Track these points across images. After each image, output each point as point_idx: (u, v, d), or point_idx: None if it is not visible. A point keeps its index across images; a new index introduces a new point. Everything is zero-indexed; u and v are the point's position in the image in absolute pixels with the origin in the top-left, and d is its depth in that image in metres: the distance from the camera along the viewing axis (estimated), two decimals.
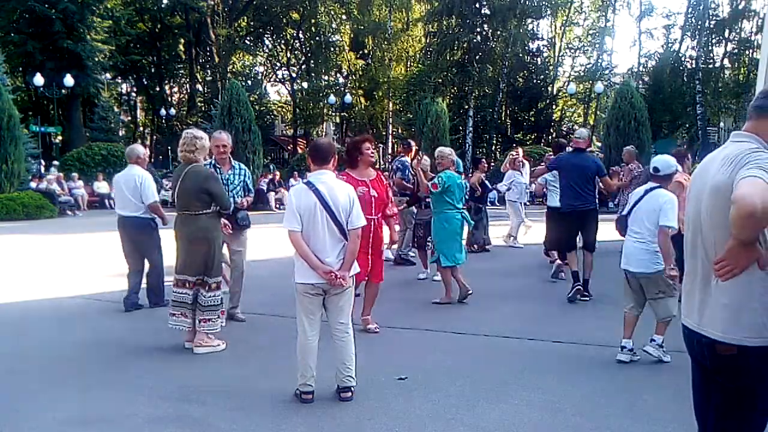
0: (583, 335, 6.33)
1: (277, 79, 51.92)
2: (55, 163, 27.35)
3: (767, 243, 2.44)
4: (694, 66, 37.37)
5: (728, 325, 2.57)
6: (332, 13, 45.47)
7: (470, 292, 7.78)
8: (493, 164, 34.66)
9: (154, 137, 50.30)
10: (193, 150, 5.87)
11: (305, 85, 46.43)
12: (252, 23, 48.31)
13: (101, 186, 26.44)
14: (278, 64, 50.71)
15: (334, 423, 4.29)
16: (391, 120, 43.35)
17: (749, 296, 2.53)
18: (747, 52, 37.95)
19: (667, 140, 30.54)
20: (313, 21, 45.11)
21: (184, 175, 5.87)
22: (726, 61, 39.57)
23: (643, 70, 40.73)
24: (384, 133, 43.39)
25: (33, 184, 23.87)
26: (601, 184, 8.27)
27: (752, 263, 2.42)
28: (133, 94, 51.82)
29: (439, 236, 7.76)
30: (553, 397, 4.66)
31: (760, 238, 2.40)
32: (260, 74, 51.48)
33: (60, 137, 36.11)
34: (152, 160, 41.63)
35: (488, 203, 14.21)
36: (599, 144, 29.01)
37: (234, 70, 47.19)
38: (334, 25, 46.43)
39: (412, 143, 11.26)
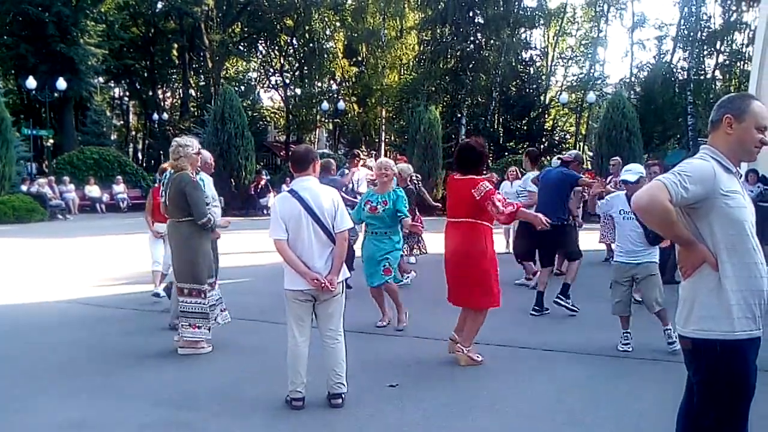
0: (573, 344, 6.34)
1: (271, 85, 51.81)
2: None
3: (716, 246, 2.73)
4: (685, 77, 37.57)
5: (684, 319, 2.85)
6: (326, 20, 45.45)
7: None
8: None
9: (146, 142, 50.07)
10: (178, 158, 5.92)
11: (298, 91, 46.38)
12: (246, 29, 48.21)
13: (92, 190, 26.34)
14: (272, 70, 50.61)
15: (325, 429, 4.28)
16: (384, 127, 43.37)
17: (699, 291, 2.78)
18: (738, 64, 38.18)
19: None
20: (307, 28, 45.07)
21: (170, 183, 5.96)
22: (717, 73, 39.79)
23: (635, 80, 40.89)
24: (377, 140, 43.41)
25: (24, 187, 23.78)
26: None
27: (699, 263, 2.75)
28: (126, 99, 51.57)
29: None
30: (542, 405, 4.67)
31: (707, 242, 2.73)
32: (253, 80, 51.38)
33: (52, 140, 35.93)
34: (144, 165, 41.51)
35: None
36: (591, 153, 29.09)
37: (227, 75, 47.06)
38: (328, 32, 46.39)
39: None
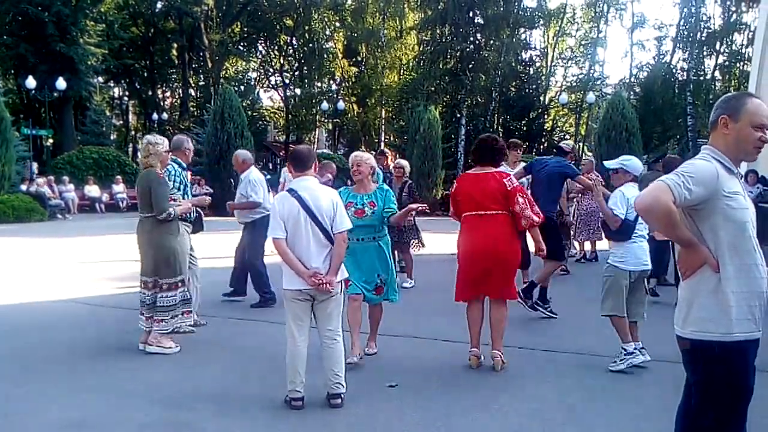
0: (572, 344, 6.35)
1: (270, 85, 51.84)
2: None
3: (718, 247, 2.72)
4: (685, 78, 37.55)
5: (682, 319, 2.84)
6: (326, 20, 45.46)
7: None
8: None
9: None
10: (147, 155, 6.03)
11: (298, 91, 46.42)
12: (245, 29, 48.25)
13: (92, 190, 26.34)
14: (271, 70, 50.64)
15: (324, 429, 4.29)
16: (383, 127, 43.35)
17: (698, 292, 2.77)
18: (738, 65, 38.17)
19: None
20: (306, 28, 45.10)
21: (138, 180, 6.11)
22: (717, 73, 39.79)
23: (635, 81, 40.88)
24: (376, 140, 43.39)
25: (23, 187, 23.79)
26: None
27: (699, 265, 2.74)
28: (126, 98, 51.55)
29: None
30: (542, 406, 4.68)
31: (709, 243, 2.72)
32: (253, 80, 51.37)
33: (51, 140, 35.92)
34: None
35: None
36: (590, 154, 29.07)
37: (227, 75, 47.05)
38: (327, 32, 46.41)
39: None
